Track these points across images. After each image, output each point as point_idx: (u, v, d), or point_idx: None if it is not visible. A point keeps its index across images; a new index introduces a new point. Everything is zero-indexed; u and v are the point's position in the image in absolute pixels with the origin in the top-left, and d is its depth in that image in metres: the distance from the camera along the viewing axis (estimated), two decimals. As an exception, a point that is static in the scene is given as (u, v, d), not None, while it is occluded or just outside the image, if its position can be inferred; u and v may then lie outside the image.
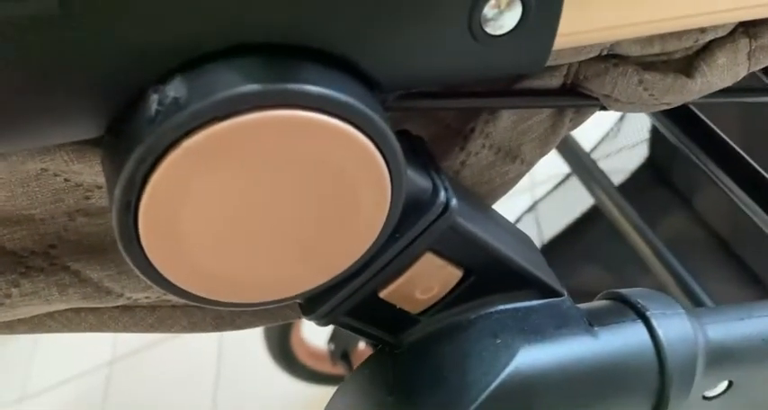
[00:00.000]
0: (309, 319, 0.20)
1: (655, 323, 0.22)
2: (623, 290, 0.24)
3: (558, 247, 0.86)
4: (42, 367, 1.43)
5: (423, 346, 0.21)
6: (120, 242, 0.15)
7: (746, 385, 0.25)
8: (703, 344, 0.23)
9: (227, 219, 0.15)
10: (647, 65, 0.21)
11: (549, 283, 0.22)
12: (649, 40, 0.20)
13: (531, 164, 0.23)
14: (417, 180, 0.18)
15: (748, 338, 0.24)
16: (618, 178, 0.89)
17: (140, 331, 0.22)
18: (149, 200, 0.14)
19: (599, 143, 0.79)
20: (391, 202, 0.17)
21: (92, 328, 0.21)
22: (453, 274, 0.20)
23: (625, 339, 0.22)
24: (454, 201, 0.18)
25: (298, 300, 0.20)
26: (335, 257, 0.17)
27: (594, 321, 0.22)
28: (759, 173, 0.35)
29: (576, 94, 0.22)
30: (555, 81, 0.22)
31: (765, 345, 0.24)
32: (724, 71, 0.21)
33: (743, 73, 0.21)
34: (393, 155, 0.16)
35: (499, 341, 0.21)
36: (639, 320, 0.22)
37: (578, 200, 0.88)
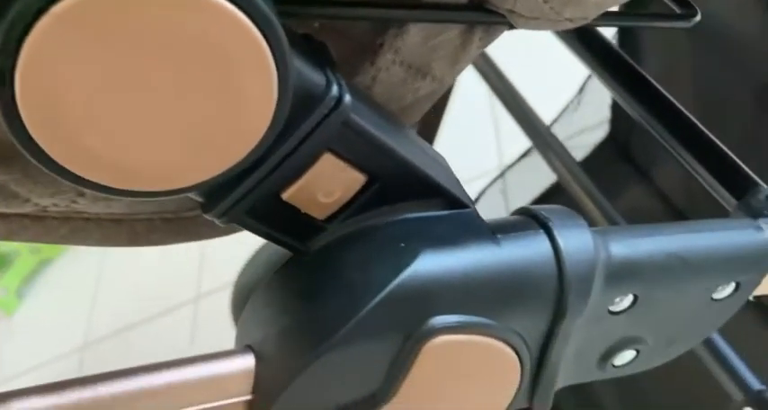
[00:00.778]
0: (210, 217, 0.20)
1: (556, 233, 0.23)
2: (531, 206, 0.24)
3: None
4: (14, 353, 1.41)
5: (329, 252, 0.22)
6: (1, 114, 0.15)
7: (651, 299, 0.26)
8: (604, 257, 0.24)
9: (106, 96, 0.16)
10: (548, -22, 0.22)
11: (456, 195, 0.23)
12: (545, -51, 0.21)
13: (441, 81, 0.24)
14: (310, 74, 0.18)
15: (652, 254, 0.25)
16: (581, 153, 0.90)
17: (52, 241, 0.22)
18: (25, 69, 0.15)
19: (559, 116, 0.80)
20: (279, 92, 0.17)
21: (0, 236, 0.22)
22: (355, 178, 0.21)
23: (527, 248, 0.23)
24: (347, 97, 0.19)
25: (198, 198, 0.20)
26: (224, 148, 0.17)
27: (499, 231, 0.23)
28: (715, 144, 0.35)
29: (483, 11, 0.23)
30: (461, -4, 0.22)
31: (669, 260, 0.25)
32: (620, -16, 0.22)
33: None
34: (276, 39, 0.16)
35: (402, 245, 0.21)
36: (542, 230, 0.23)
37: (546, 174, 0.89)
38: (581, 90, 0.79)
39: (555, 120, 0.80)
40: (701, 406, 0.63)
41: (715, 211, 0.76)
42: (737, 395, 0.41)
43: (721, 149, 0.34)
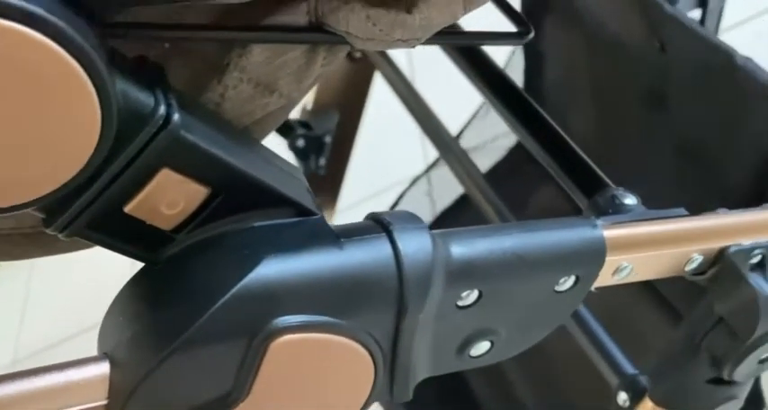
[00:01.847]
0: (51, 231, 0.21)
1: (396, 236, 0.25)
2: (378, 211, 0.26)
3: (449, 218, 0.90)
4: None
5: (177, 261, 0.23)
6: None
7: (496, 294, 0.28)
8: (444, 257, 0.26)
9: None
10: (377, 1, 0.23)
11: (302, 204, 0.25)
12: (367, -23, 0.22)
13: (289, 97, 0.25)
14: (137, 95, 0.20)
15: (491, 252, 0.27)
16: (498, 155, 0.93)
17: None
18: None
19: (468, 123, 0.83)
20: (102, 115, 0.18)
21: None
22: (197, 191, 0.22)
23: (368, 250, 0.24)
24: (176, 116, 0.20)
25: (38, 213, 0.21)
26: (53, 167, 0.19)
27: (344, 236, 0.25)
28: (571, 148, 0.38)
29: (324, 32, 0.24)
30: (301, 18, 0.24)
31: (507, 258, 0.27)
32: (441, 8, 0.24)
33: (459, 12, 0.24)
34: (93, 67, 0.18)
35: (247, 252, 0.23)
36: (384, 234, 0.25)
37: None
38: (490, 95, 0.82)
39: (464, 128, 0.83)
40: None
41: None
42: (613, 379, 0.44)
43: (576, 153, 0.37)
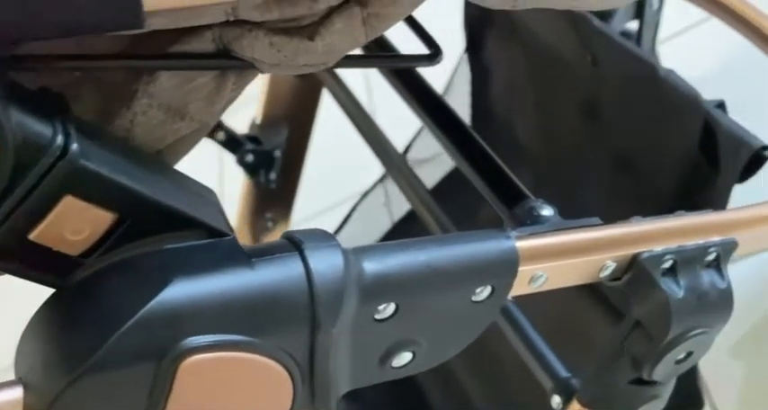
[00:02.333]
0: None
1: (308, 254, 0.26)
2: (292, 230, 0.27)
3: (406, 226, 0.91)
4: None
5: (88, 285, 0.24)
6: None
7: (413, 307, 0.29)
8: (357, 273, 0.27)
9: None
10: (279, 29, 0.24)
11: (213, 225, 0.25)
12: (267, 7, 0.23)
13: (201, 122, 0.26)
14: (34, 126, 0.20)
15: (405, 267, 0.28)
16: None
17: None
18: None
19: (417, 135, 0.85)
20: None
21: None
22: (102, 216, 0.23)
23: (280, 269, 0.25)
24: (75, 146, 0.21)
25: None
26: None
27: (255, 256, 0.25)
28: (494, 162, 0.39)
29: (231, 58, 0.25)
30: (207, 45, 0.25)
31: (421, 271, 0.28)
32: (343, 35, 0.25)
33: (362, 38, 0.25)
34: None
35: (155, 274, 0.23)
36: (296, 253, 0.26)
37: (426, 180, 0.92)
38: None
39: (413, 140, 0.85)
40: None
41: (565, 213, 0.82)
42: (548, 382, 0.45)
43: (498, 166, 0.39)
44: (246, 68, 0.26)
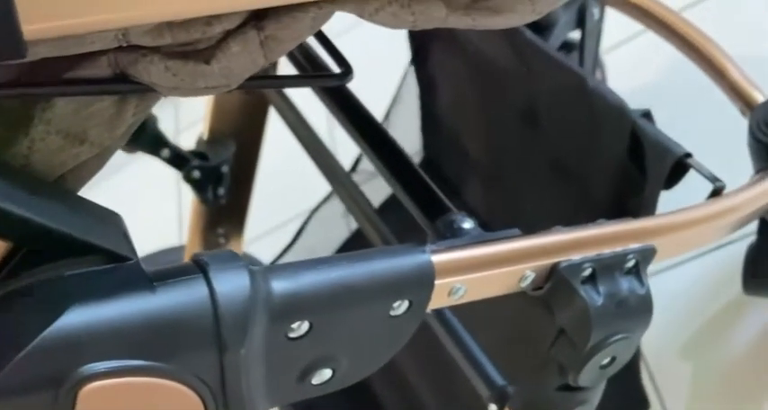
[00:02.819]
0: None
1: (212, 276, 0.26)
2: (198, 252, 0.27)
3: (359, 241, 0.91)
4: None
5: (-17, 316, 0.23)
6: None
7: (328, 324, 0.29)
8: (265, 294, 0.27)
9: None
10: (175, 53, 0.25)
11: (114, 250, 0.25)
12: (159, 32, 0.23)
13: (101, 146, 0.26)
14: None
15: (316, 285, 0.28)
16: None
17: None
18: None
19: (358, 161, 0.85)
20: None
21: None
22: (-6, 245, 0.23)
23: (183, 292, 0.25)
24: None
25: None
26: None
27: (158, 279, 0.25)
28: (418, 175, 0.40)
29: (130, 82, 0.25)
30: (103, 70, 0.25)
31: (334, 289, 0.29)
32: (240, 58, 0.25)
33: (261, 61, 0.25)
34: None
35: (53, 302, 0.23)
36: (200, 275, 0.26)
37: (380, 189, 0.92)
38: (386, 117, 0.84)
39: (356, 165, 0.85)
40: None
41: (511, 220, 0.83)
42: (485, 391, 0.46)
43: (423, 179, 0.39)
44: (146, 92, 0.26)
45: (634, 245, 0.38)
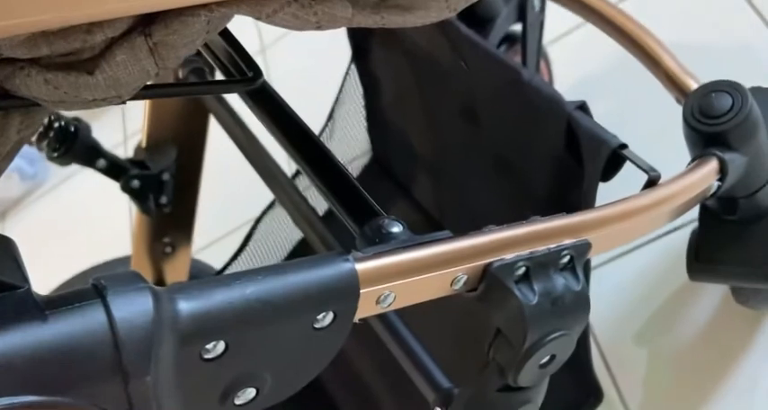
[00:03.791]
0: None
1: (111, 301, 0.24)
2: (100, 275, 0.25)
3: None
4: None
5: None
6: None
7: (246, 342, 0.28)
8: (171, 316, 0.25)
9: None
10: (56, 65, 0.23)
11: (2, 278, 0.23)
12: (34, 43, 0.22)
13: (-15, 167, 0.24)
14: None
15: (231, 302, 0.27)
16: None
17: None
18: None
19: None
20: None
21: None
22: None
23: (78, 320, 0.23)
24: None
25: None
26: None
27: (51, 307, 0.24)
28: (347, 178, 0.38)
29: (11, 97, 0.24)
30: (-20, 86, 0.23)
31: (250, 306, 0.27)
32: (127, 67, 0.23)
33: (153, 69, 0.24)
34: None
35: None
36: (98, 300, 0.24)
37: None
38: (330, 117, 0.83)
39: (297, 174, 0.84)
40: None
41: (461, 218, 0.83)
42: (430, 395, 0.45)
43: (351, 183, 0.38)
44: (30, 106, 0.24)
45: (568, 241, 0.37)
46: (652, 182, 0.45)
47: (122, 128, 1.34)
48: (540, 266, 0.36)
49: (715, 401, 0.71)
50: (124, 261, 0.94)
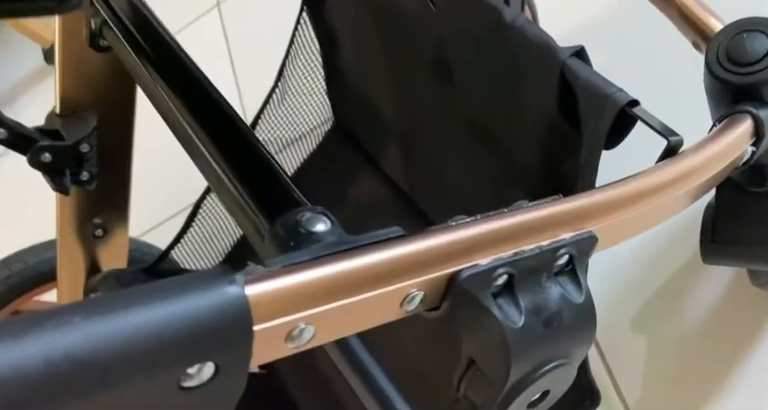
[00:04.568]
0: None
1: None
2: None
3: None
4: None
5: None
6: None
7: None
8: None
9: None
10: None
11: None
12: None
13: None
14: None
15: (23, 367, 0.16)
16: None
17: None
18: None
19: (262, 110, 0.72)
20: None
21: None
22: None
23: None
24: None
25: None
26: None
27: None
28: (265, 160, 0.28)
29: None
30: None
31: (61, 368, 0.17)
32: None
33: None
34: None
35: None
36: None
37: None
38: (279, 76, 0.71)
39: (258, 118, 0.72)
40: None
41: (441, 197, 0.72)
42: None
43: (265, 161, 0.27)
44: None
45: (565, 235, 0.27)
46: (672, 151, 0.34)
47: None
48: (527, 272, 0.26)
49: (723, 395, 0.63)
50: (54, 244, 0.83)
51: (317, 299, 0.21)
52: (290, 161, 0.79)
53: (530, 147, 0.45)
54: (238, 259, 0.76)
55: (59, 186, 0.63)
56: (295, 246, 0.23)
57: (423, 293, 0.24)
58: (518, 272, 0.25)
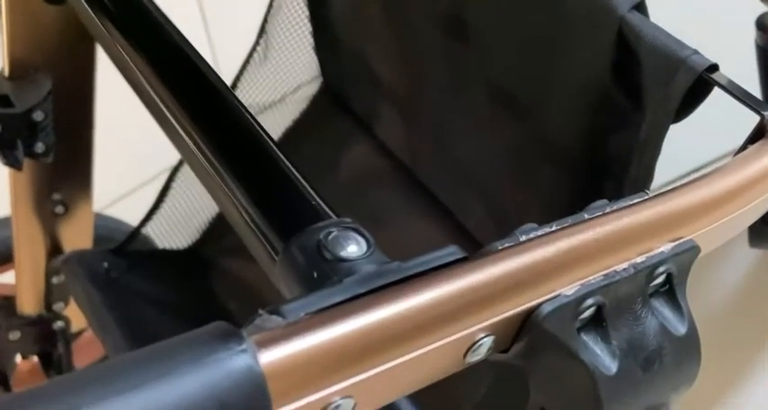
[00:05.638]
0: None
1: None
2: None
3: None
4: None
5: None
6: None
7: None
8: None
9: None
10: None
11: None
12: None
13: None
14: None
15: None
16: (298, 108, 0.76)
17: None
18: None
19: (244, 68, 0.64)
20: None
21: None
22: None
23: None
24: None
25: None
26: None
27: None
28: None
29: None
30: None
31: None
32: None
33: None
34: None
35: None
36: None
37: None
38: (261, 31, 0.62)
39: (239, 78, 0.63)
40: None
41: (438, 167, 0.65)
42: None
43: (273, 159, 0.19)
44: None
45: (664, 247, 0.21)
46: (763, 128, 0.28)
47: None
48: (620, 301, 0.19)
49: (747, 383, 0.59)
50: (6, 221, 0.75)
51: (356, 362, 0.15)
52: (272, 127, 0.71)
53: (569, 119, 0.38)
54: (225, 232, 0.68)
55: (11, 160, 0.54)
56: (320, 279, 0.16)
57: (493, 337, 0.17)
58: (609, 301, 0.19)
